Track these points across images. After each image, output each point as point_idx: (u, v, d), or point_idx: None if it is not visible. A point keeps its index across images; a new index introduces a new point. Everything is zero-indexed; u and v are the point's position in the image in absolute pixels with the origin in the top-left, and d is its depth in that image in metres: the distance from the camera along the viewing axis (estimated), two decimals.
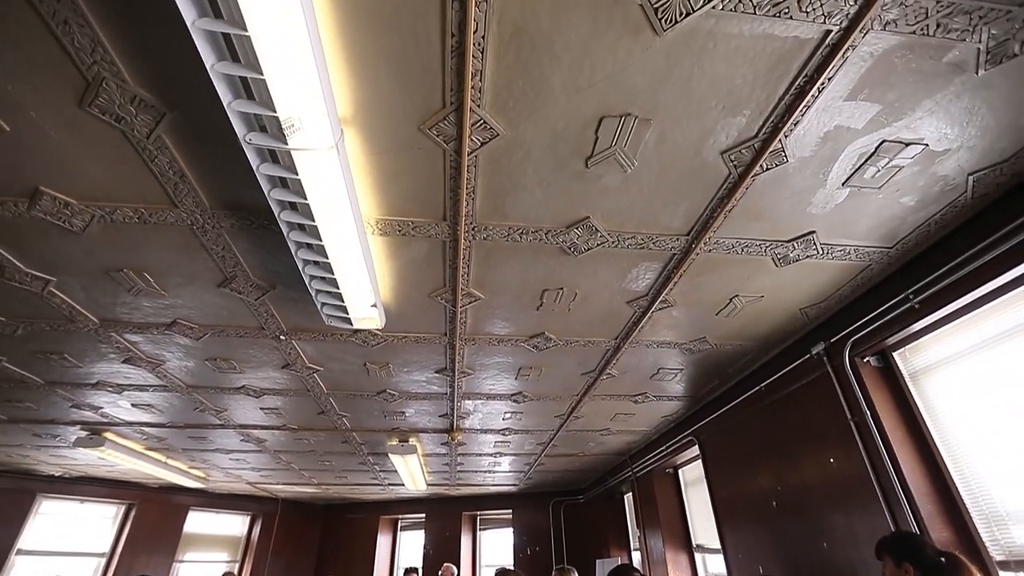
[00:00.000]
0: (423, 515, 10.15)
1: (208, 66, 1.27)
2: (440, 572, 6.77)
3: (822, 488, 3.11)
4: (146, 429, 5.12)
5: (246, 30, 1.18)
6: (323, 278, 2.24)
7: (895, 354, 2.78)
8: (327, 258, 2.06)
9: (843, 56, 1.47)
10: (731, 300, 2.81)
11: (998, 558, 2.23)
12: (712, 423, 4.55)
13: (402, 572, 8.20)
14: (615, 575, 3.17)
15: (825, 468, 3.09)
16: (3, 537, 6.54)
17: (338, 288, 2.29)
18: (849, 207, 2.10)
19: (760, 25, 1.39)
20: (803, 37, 1.43)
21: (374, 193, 1.96)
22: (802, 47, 1.45)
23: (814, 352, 3.11)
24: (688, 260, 2.40)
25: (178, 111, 1.60)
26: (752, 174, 1.89)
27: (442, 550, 9.60)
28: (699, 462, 5.02)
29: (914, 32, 1.41)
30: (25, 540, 6.81)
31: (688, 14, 1.35)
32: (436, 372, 3.81)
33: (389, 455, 5.97)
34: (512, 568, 4.56)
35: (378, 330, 3.09)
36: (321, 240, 1.94)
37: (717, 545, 4.48)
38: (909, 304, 2.43)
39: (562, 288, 2.66)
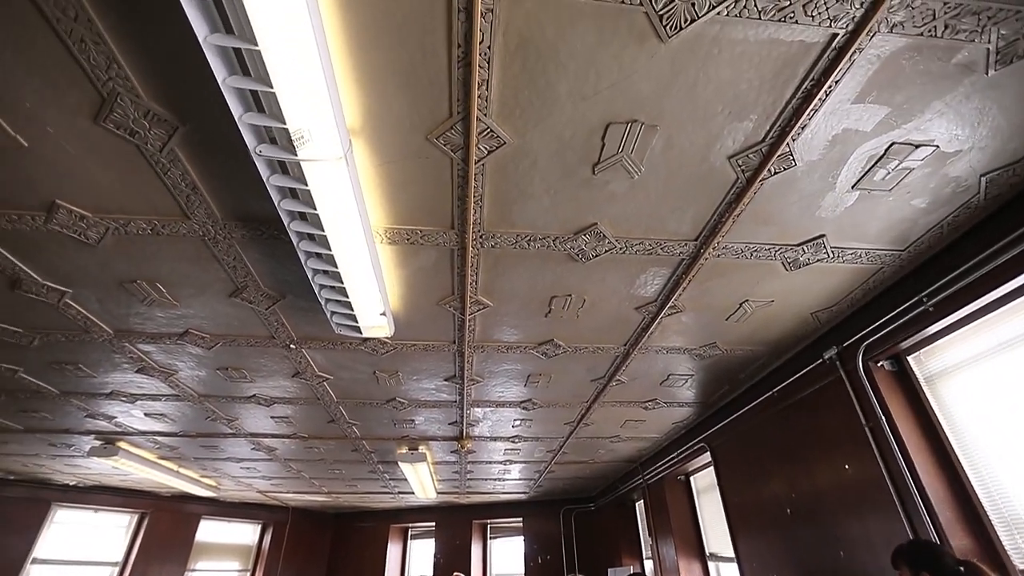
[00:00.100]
0: (433, 523, 10.11)
1: (220, 80, 1.30)
2: None
3: (837, 495, 3.06)
4: (159, 438, 5.16)
5: (256, 45, 1.20)
6: (332, 287, 2.26)
7: (910, 358, 2.74)
8: (336, 267, 2.08)
9: (850, 59, 1.46)
10: (741, 305, 2.79)
11: (1021, 566, 2.18)
12: (724, 429, 4.51)
13: None
14: None
15: (840, 474, 3.04)
16: (19, 546, 6.61)
17: (347, 297, 2.30)
18: (859, 210, 2.08)
19: (765, 30, 1.39)
20: (809, 41, 1.42)
21: (382, 202, 1.98)
22: (808, 51, 1.45)
23: (826, 357, 3.07)
24: (697, 265, 2.39)
25: (190, 125, 1.63)
26: (760, 178, 1.88)
27: (452, 559, 9.55)
28: (711, 469, 4.96)
29: (921, 34, 1.40)
30: (40, 549, 6.87)
31: (693, 21, 1.35)
32: (445, 380, 3.81)
33: (399, 463, 5.97)
34: None
35: (387, 338, 3.11)
36: (330, 250, 1.96)
37: (731, 553, 4.42)
38: (923, 307, 2.40)
39: (570, 295, 2.65)
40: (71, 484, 7.17)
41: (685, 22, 1.36)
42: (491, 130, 1.66)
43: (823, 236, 2.23)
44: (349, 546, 10.36)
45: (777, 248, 2.31)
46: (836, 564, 3.03)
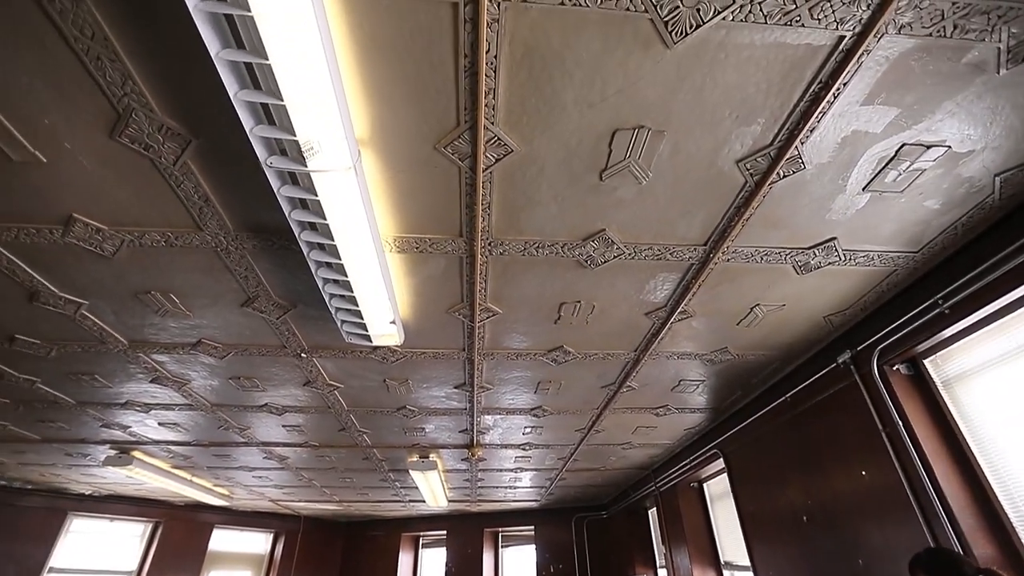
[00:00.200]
0: (444, 532, 10.07)
1: (231, 94, 1.32)
2: None
3: (854, 502, 3.01)
4: (172, 447, 5.21)
5: (267, 59, 1.22)
6: (343, 296, 2.27)
7: (926, 362, 2.69)
8: (346, 276, 2.09)
9: (858, 61, 1.46)
10: (752, 309, 2.77)
11: None
12: (737, 435, 4.45)
13: None
14: None
15: (857, 481, 2.99)
16: (36, 555, 6.68)
17: (357, 306, 2.32)
18: (871, 212, 2.06)
19: (771, 34, 1.39)
20: (816, 44, 1.42)
21: (391, 211, 1.99)
22: (815, 54, 1.45)
23: (840, 361, 3.03)
24: (706, 270, 2.38)
25: (203, 138, 1.66)
26: (769, 182, 1.87)
27: (464, 568, 9.50)
28: (724, 476, 4.90)
29: (930, 34, 1.39)
30: (57, 558, 6.94)
31: (698, 26, 1.36)
32: (455, 387, 3.81)
33: (410, 471, 5.96)
34: None
35: (397, 346, 3.12)
36: (340, 259, 1.98)
37: (746, 562, 4.35)
38: (939, 310, 2.36)
39: (579, 301, 2.65)
40: (87, 493, 7.25)
41: (690, 28, 1.36)
42: (498, 138, 1.67)
43: (834, 239, 2.21)
44: (360, 555, 10.35)
45: (788, 252, 2.29)
46: (855, 572, 2.97)
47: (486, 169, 1.79)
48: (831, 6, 1.32)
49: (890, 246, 2.27)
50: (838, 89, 1.54)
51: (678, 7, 1.31)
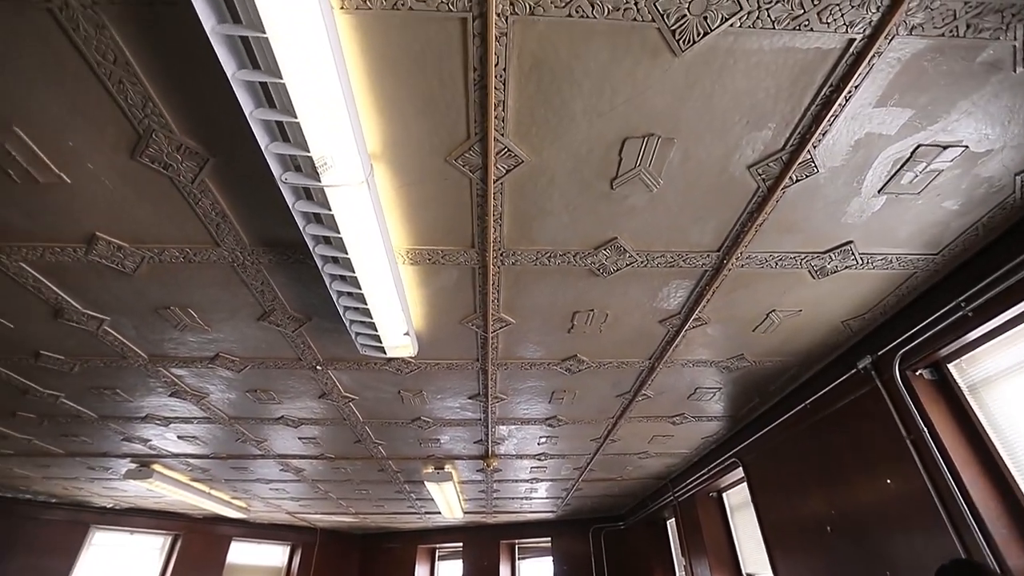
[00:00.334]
0: (460, 544, 10.01)
1: (247, 113, 1.35)
2: None
3: (880, 512, 2.93)
4: (191, 460, 5.27)
5: (281, 78, 1.25)
6: (357, 308, 2.29)
7: (950, 366, 2.62)
8: (360, 289, 2.11)
9: (869, 63, 1.45)
10: (768, 315, 2.73)
11: None
12: (756, 443, 4.37)
13: None
14: None
15: (882, 490, 2.91)
16: (60, 568, 6.77)
17: (371, 318, 2.34)
18: (887, 215, 2.03)
19: (780, 39, 1.39)
20: (825, 48, 1.41)
21: (404, 224, 2.01)
22: (825, 57, 1.44)
23: (860, 367, 2.97)
24: (720, 276, 2.36)
25: (220, 156, 1.70)
26: (782, 186, 1.86)
27: None
28: (744, 485, 4.80)
29: (943, 34, 1.38)
30: (79, 571, 7.03)
31: (706, 34, 1.36)
32: (469, 398, 3.81)
33: (425, 483, 5.95)
34: None
35: (411, 358, 3.13)
36: (354, 272, 2.00)
37: (769, 574, 4.25)
38: (961, 312, 2.31)
39: (593, 310, 2.64)
40: (109, 507, 7.36)
41: (698, 35, 1.37)
42: (509, 149, 1.69)
43: (851, 242, 2.18)
44: (377, 567, 10.31)
45: (803, 256, 2.26)
46: None
47: (497, 180, 1.81)
48: (840, 9, 1.32)
49: (908, 248, 2.23)
50: (849, 92, 1.53)
51: (685, 15, 1.32)
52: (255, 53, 1.25)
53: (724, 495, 5.96)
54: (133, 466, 5.30)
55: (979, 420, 2.49)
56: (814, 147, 1.71)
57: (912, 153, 1.75)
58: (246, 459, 5.25)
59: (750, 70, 1.47)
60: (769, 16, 1.33)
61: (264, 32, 1.15)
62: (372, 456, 5.22)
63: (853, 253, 2.24)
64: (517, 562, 10.04)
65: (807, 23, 1.35)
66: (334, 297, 2.22)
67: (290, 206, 1.68)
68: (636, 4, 1.29)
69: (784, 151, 1.73)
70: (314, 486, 6.44)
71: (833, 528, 3.37)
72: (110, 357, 3.06)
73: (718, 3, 1.29)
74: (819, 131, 1.64)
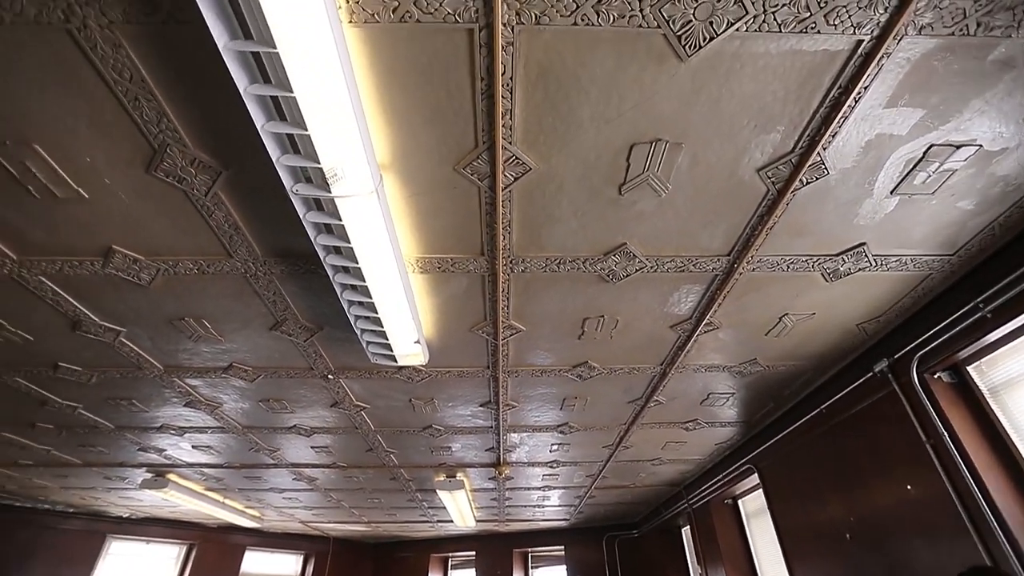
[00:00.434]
0: (473, 553, 9.95)
1: (259, 126, 1.38)
2: None
3: (901, 518, 2.87)
4: (205, 470, 5.31)
5: (292, 92, 1.27)
6: (367, 317, 2.31)
7: (970, 368, 2.57)
8: (371, 298, 2.13)
9: (878, 64, 1.44)
10: (780, 319, 2.70)
11: None
12: (771, 449, 4.31)
13: None
14: None
15: (902, 496, 2.85)
16: None
17: (382, 327, 2.35)
18: (901, 216, 2.01)
19: (787, 42, 1.38)
20: (833, 49, 1.41)
21: (413, 232, 2.03)
22: (833, 59, 1.43)
23: (877, 370, 2.92)
24: (731, 280, 2.34)
25: (232, 169, 1.73)
26: (792, 189, 1.84)
27: None
28: (760, 492, 4.73)
29: (952, 33, 1.37)
30: None
31: (712, 39, 1.36)
32: (480, 405, 3.80)
33: (437, 491, 5.94)
34: None
35: (422, 366, 3.14)
36: (365, 281, 2.01)
37: None
38: (980, 314, 2.26)
39: (603, 316, 2.63)
40: (125, 516, 7.43)
41: (704, 40, 1.37)
42: (516, 157, 1.70)
43: (863, 244, 2.15)
44: None
45: (815, 259, 2.24)
46: None
47: (505, 188, 1.82)
48: (847, 11, 1.31)
49: (923, 250, 2.20)
50: (859, 93, 1.52)
51: (691, 21, 1.32)
52: (266, 68, 1.28)
53: (739, 502, 5.87)
54: (149, 476, 5.35)
55: (1001, 423, 2.44)
56: (824, 149, 1.70)
57: (924, 153, 1.73)
58: (259, 468, 5.28)
59: (757, 73, 1.46)
60: (775, 19, 1.33)
61: (275, 47, 1.17)
62: (384, 465, 5.22)
63: (866, 255, 2.21)
64: (530, 571, 9.95)
65: (814, 26, 1.34)
66: (345, 306, 2.24)
67: (301, 217, 1.71)
68: (641, 11, 1.29)
69: (793, 154, 1.72)
70: (327, 495, 6.46)
71: (853, 535, 3.30)
72: (126, 368, 3.10)
73: (724, 8, 1.29)
74: (828, 133, 1.63)
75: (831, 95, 1.53)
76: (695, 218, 1.99)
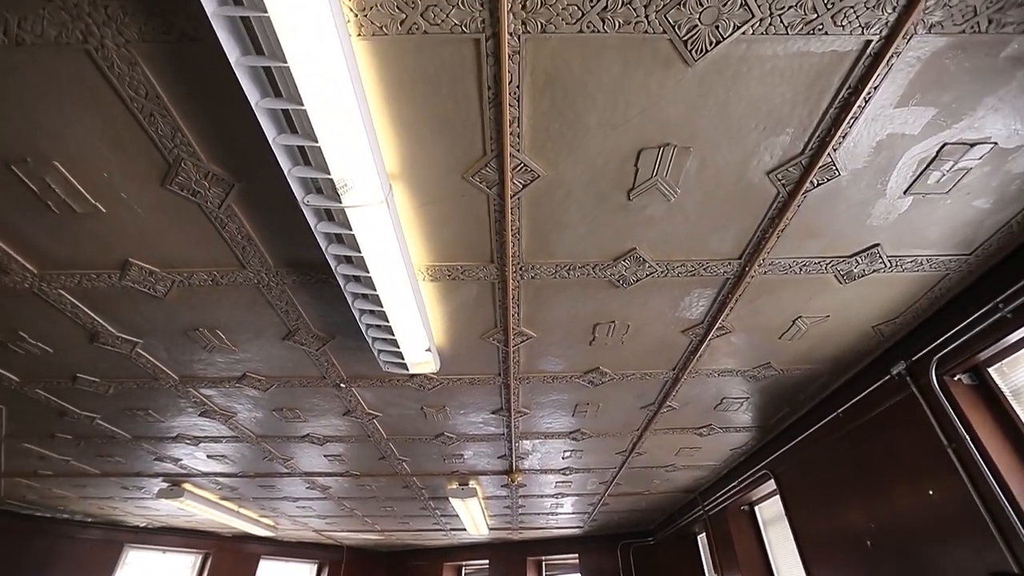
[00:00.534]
0: (487, 561, 9.89)
1: (270, 139, 1.40)
2: None
3: (924, 524, 2.80)
4: (220, 479, 5.36)
5: (303, 105, 1.30)
6: (379, 326, 2.32)
7: (991, 370, 2.52)
8: (382, 307, 2.14)
9: (887, 64, 1.42)
10: (794, 322, 2.67)
11: None
12: (788, 454, 4.24)
13: None
14: None
15: (924, 501, 2.79)
16: None
17: (393, 335, 2.36)
18: (915, 216, 1.98)
19: (794, 44, 1.38)
20: (842, 50, 1.40)
21: (423, 241, 2.04)
22: (842, 60, 1.42)
23: (894, 373, 2.87)
24: (743, 284, 2.32)
25: (245, 181, 1.75)
26: (803, 191, 1.83)
27: None
28: (777, 498, 4.65)
29: (963, 31, 1.35)
30: None
31: (718, 43, 1.36)
32: (492, 413, 3.80)
33: (449, 499, 5.92)
34: None
35: (433, 374, 3.14)
36: (376, 290, 2.03)
37: None
38: (1000, 314, 2.22)
39: (613, 321, 2.62)
40: (142, 526, 7.50)
41: (710, 45, 1.37)
42: (524, 164, 1.70)
43: (877, 245, 2.13)
44: None
45: (828, 261, 2.21)
46: None
47: (514, 195, 1.82)
48: (854, 12, 1.30)
49: (939, 250, 2.17)
50: (869, 93, 1.50)
51: (696, 26, 1.32)
52: (277, 82, 1.30)
53: (756, 508, 5.78)
54: (165, 485, 5.41)
55: None
56: (834, 150, 1.69)
57: (938, 152, 1.71)
58: (273, 477, 5.31)
59: (765, 76, 1.46)
60: (782, 22, 1.32)
61: (286, 62, 1.20)
62: (396, 473, 5.23)
63: (881, 256, 2.18)
64: None
65: (821, 27, 1.34)
66: (356, 315, 2.25)
67: (312, 227, 1.73)
68: (647, 17, 1.30)
69: (803, 155, 1.71)
70: (340, 503, 6.47)
71: (874, 542, 3.23)
72: (143, 379, 3.15)
73: (730, 12, 1.29)
74: (839, 134, 1.62)
75: (840, 96, 1.52)
76: (705, 222, 1.98)
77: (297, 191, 1.58)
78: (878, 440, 3.15)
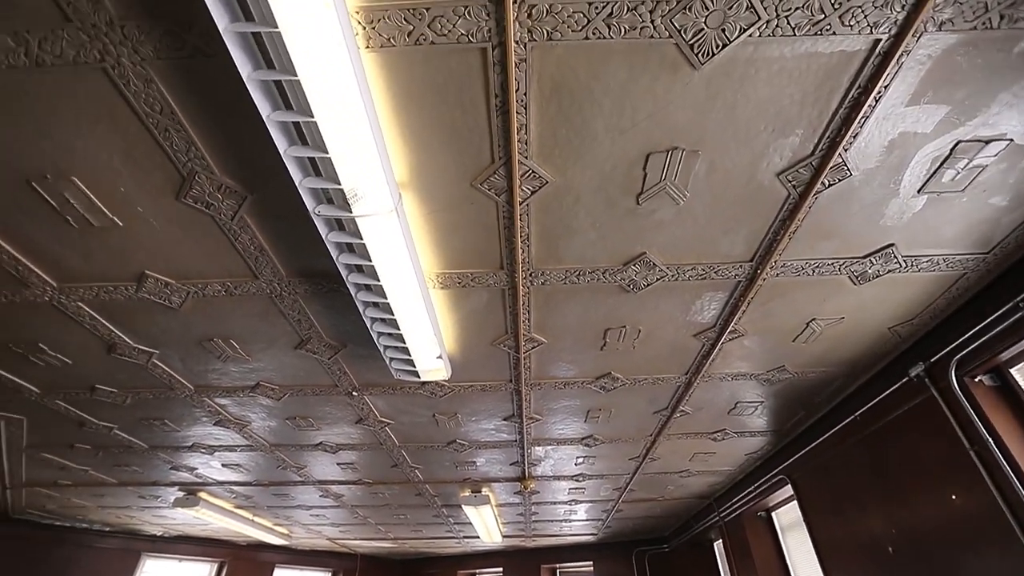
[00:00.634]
0: (500, 569, 9.83)
1: (282, 151, 1.42)
2: None
3: (947, 530, 2.74)
4: (235, 488, 5.40)
5: (313, 117, 1.31)
6: (390, 334, 2.33)
7: (1013, 371, 2.46)
8: (393, 315, 2.15)
9: (897, 63, 1.41)
10: (808, 324, 2.63)
11: None
12: (805, 459, 4.18)
13: None
14: None
15: (947, 506, 2.72)
16: None
17: (404, 343, 2.37)
18: (930, 215, 1.95)
19: (802, 45, 1.37)
20: (850, 50, 1.39)
21: (433, 249, 2.05)
22: (850, 60, 1.41)
23: (913, 375, 2.82)
24: (755, 287, 2.30)
25: (257, 193, 1.78)
26: (814, 192, 1.81)
27: None
28: (794, 503, 4.58)
29: (975, 27, 1.34)
30: None
31: (724, 46, 1.36)
32: (504, 419, 3.79)
33: (462, 506, 5.91)
34: None
35: (444, 381, 3.15)
36: (387, 298, 2.04)
37: None
38: (1021, 312, 2.17)
39: (624, 326, 2.61)
40: (158, 534, 7.57)
41: (717, 48, 1.36)
42: (533, 171, 1.71)
43: (892, 245, 2.10)
44: None
45: (841, 262, 2.18)
46: None
47: (523, 202, 1.83)
48: (862, 11, 1.30)
49: (956, 249, 2.13)
50: (879, 93, 1.49)
51: (702, 29, 1.32)
52: (287, 95, 1.32)
53: (773, 514, 5.69)
54: (181, 494, 5.46)
55: None
56: (845, 150, 1.67)
57: (952, 150, 1.68)
58: (287, 486, 5.34)
59: (772, 78, 1.45)
60: (789, 23, 1.32)
61: (296, 75, 1.22)
62: (409, 480, 5.23)
63: (896, 256, 2.15)
64: None
65: (828, 27, 1.33)
66: (368, 323, 2.27)
67: (323, 237, 1.74)
68: (652, 22, 1.30)
69: (814, 156, 1.69)
70: (353, 511, 6.48)
71: (896, 548, 3.16)
72: (159, 389, 3.19)
73: (735, 15, 1.29)
74: (849, 134, 1.60)
75: (850, 96, 1.51)
76: (715, 225, 1.97)
77: (308, 202, 1.60)
78: (897, 443, 3.09)
